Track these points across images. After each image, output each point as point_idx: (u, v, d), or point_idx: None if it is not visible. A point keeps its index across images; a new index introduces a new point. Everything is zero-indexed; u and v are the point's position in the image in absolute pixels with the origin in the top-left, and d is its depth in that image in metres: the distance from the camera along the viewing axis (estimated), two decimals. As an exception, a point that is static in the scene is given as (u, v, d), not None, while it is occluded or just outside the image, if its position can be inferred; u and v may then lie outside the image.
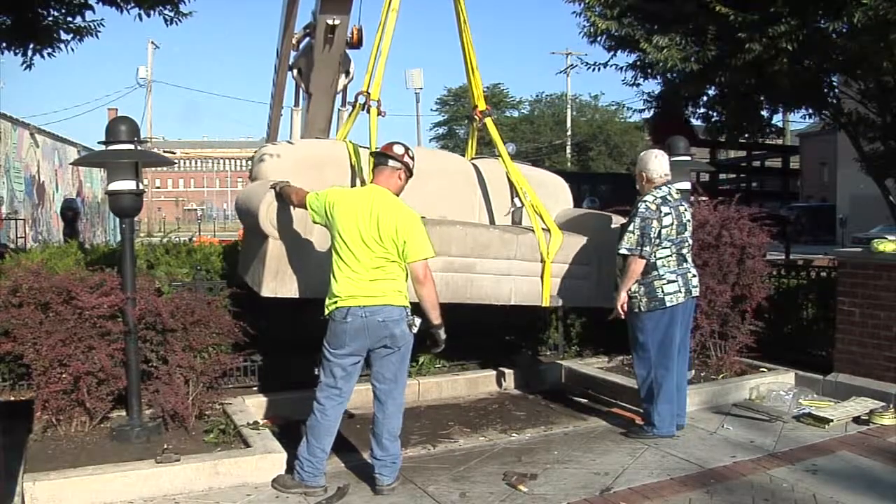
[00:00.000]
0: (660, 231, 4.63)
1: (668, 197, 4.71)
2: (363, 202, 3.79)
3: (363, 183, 4.89)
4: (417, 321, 3.84)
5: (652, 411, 4.75)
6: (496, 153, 5.81)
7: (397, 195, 3.91)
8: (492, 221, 5.72)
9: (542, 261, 5.14)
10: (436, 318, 3.85)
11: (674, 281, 4.69)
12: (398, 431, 3.94)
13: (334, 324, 3.80)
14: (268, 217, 4.39)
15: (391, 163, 3.90)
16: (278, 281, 4.49)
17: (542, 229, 5.24)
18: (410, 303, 3.87)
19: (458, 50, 5.83)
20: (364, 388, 4.29)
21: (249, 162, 5.29)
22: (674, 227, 4.68)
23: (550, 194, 5.85)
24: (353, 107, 5.38)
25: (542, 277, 5.16)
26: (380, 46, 5.24)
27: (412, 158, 3.97)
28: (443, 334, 3.90)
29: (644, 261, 4.63)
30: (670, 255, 4.70)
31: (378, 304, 3.74)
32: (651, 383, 4.74)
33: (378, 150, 4.02)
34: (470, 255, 4.93)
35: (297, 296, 4.52)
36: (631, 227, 4.65)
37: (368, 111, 5.19)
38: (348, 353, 3.81)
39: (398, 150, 3.94)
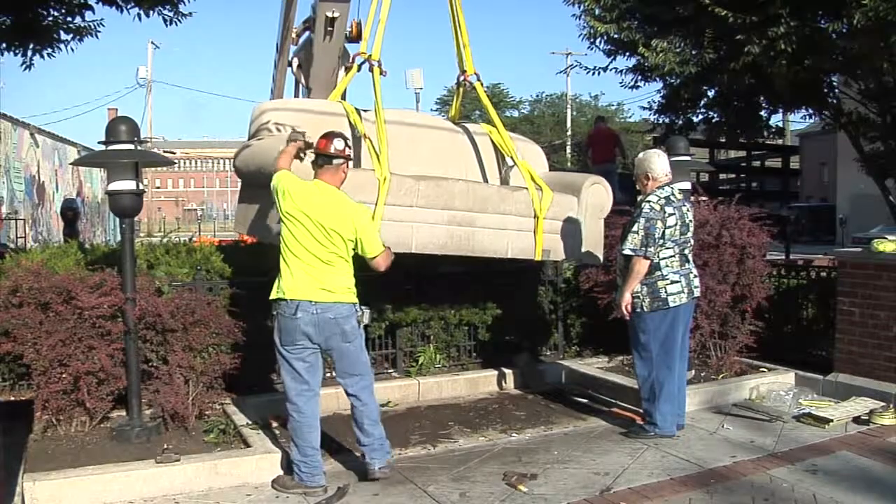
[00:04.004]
0: (664, 231, 4.62)
1: (672, 197, 4.70)
2: (313, 199, 3.80)
3: (370, 142, 5.00)
4: (367, 314, 3.95)
5: (654, 411, 4.75)
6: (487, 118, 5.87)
7: (340, 186, 3.96)
8: (483, 181, 5.81)
9: (535, 217, 5.27)
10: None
11: (677, 281, 4.68)
12: (378, 416, 4.00)
13: (284, 319, 3.82)
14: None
15: (335, 161, 3.91)
16: None
17: (535, 188, 5.36)
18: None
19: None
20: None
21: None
22: (677, 227, 4.67)
23: (528, 159, 5.93)
24: (349, 68, 5.44)
25: (534, 233, 5.28)
26: (377, 9, 5.26)
27: (350, 147, 4.05)
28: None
29: (648, 261, 4.62)
30: (674, 256, 4.69)
31: (329, 301, 3.79)
32: (653, 383, 4.74)
33: (317, 149, 3.97)
34: (472, 210, 5.04)
35: None
36: (635, 228, 4.64)
37: (371, 70, 5.23)
38: (303, 347, 3.84)
39: (339, 145, 3.92)
